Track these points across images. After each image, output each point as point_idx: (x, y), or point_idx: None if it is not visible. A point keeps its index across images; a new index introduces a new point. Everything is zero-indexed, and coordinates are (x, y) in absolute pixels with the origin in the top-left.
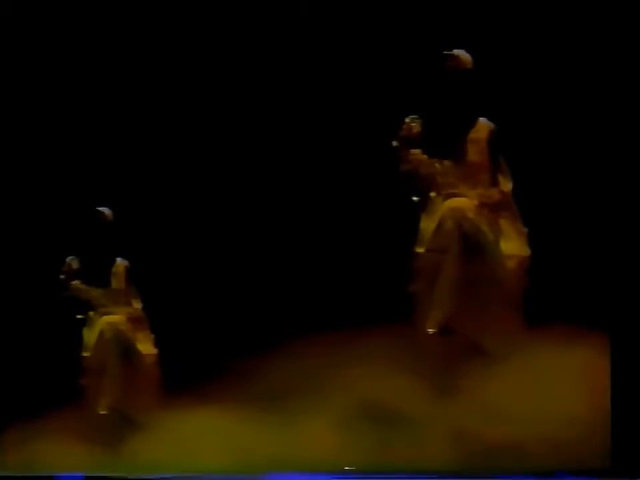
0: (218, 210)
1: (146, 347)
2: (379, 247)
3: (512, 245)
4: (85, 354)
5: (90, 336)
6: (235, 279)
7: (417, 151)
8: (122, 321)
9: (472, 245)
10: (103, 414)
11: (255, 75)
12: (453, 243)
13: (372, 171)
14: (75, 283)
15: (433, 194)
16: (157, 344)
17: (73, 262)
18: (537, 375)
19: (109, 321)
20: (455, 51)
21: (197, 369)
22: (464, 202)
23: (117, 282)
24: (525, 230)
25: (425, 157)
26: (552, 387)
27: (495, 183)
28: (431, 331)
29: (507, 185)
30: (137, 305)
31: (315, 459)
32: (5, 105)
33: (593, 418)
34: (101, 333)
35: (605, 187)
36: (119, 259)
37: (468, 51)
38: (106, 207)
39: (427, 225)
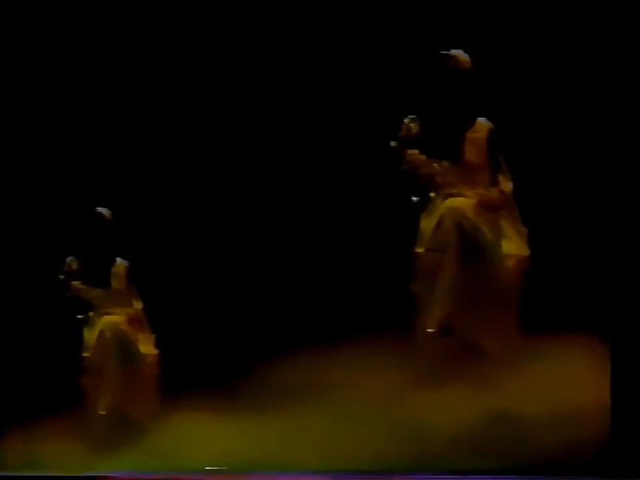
0: (218, 210)
1: (146, 347)
2: (379, 247)
3: (512, 245)
4: (85, 354)
5: (90, 336)
6: (236, 279)
7: (415, 151)
8: (122, 321)
9: (471, 245)
10: (103, 414)
11: (255, 75)
12: (453, 242)
13: (372, 171)
14: (75, 283)
15: (432, 194)
16: (158, 344)
17: (72, 262)
18: (536, 374)
19: (109, 321)
20: (454, 51)
21: (197, 370)
22: (463, 202)
23: (117, 282)
24: (525, 230)
25: (424, 157)
26: (551, 386)
27: (494, 183)
28: (430, 330)
29: (507, 185)
30: (138, 305)
31: (315, 459)
32: (5, 105)
33: (593, 418)
34: (101, 333)
35: (605, 186)
36: (119, 259)
37: (466, 51)
38: (105, 207)
39: (427, 224)
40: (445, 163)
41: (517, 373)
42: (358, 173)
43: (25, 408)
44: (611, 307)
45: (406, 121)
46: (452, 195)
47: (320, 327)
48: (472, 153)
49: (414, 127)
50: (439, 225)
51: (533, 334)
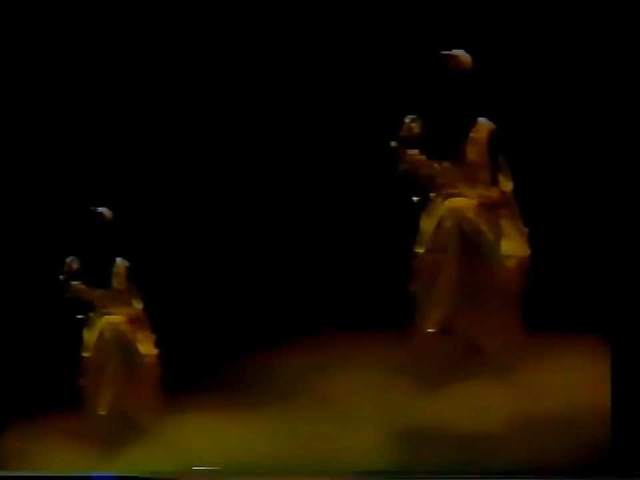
0: (218, 210)
1: (146, 347)
2: (378, 246)
3: (512, 245)
4: (85, 354)
5: (90, 336)
6: (235, 279)
7: (415, 151)
8: (122, 321)
9: (471, 245)
10: (103, 414)
11: (255, 75)
12: (453, 243)
13: (372, 171)
14: (75, 283)
15: (432, 194)
16: (158, 345)
17: (73, 262)
18: (537, 375)
19: (110, 321)
20: (455, 51)
21: (197, 369)
22: (464, 202)
23: (118, 282)
24: (526, 230)
25: (424, 157)
26: (552, 387)
27: (495, 183)
28: (430, 330)
29: (507, 185)
30: (138, 305)
31: (316, 460)
32: (4, 105)
33: (593, 418)
34: (101, 334)
35: (606, 186)
36: (119, 259)
37: (468, 51)
38: (105, 207)
39: (427, 225)
40: (446, 163)
41: (518, 373)
42: (358, 173)
43: (25, 408)
44: (612, 307)
45: (407, 120)
46: (452, 195)
47: (321, 326)
48: (473, 153)
49: (415, 127)
50: (439, 225)
51: (533, 334)
